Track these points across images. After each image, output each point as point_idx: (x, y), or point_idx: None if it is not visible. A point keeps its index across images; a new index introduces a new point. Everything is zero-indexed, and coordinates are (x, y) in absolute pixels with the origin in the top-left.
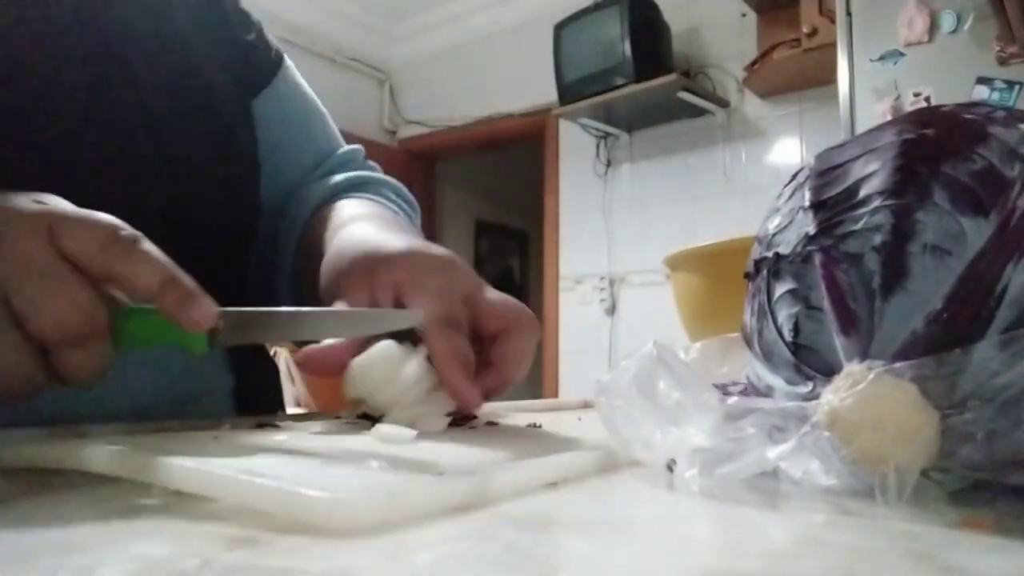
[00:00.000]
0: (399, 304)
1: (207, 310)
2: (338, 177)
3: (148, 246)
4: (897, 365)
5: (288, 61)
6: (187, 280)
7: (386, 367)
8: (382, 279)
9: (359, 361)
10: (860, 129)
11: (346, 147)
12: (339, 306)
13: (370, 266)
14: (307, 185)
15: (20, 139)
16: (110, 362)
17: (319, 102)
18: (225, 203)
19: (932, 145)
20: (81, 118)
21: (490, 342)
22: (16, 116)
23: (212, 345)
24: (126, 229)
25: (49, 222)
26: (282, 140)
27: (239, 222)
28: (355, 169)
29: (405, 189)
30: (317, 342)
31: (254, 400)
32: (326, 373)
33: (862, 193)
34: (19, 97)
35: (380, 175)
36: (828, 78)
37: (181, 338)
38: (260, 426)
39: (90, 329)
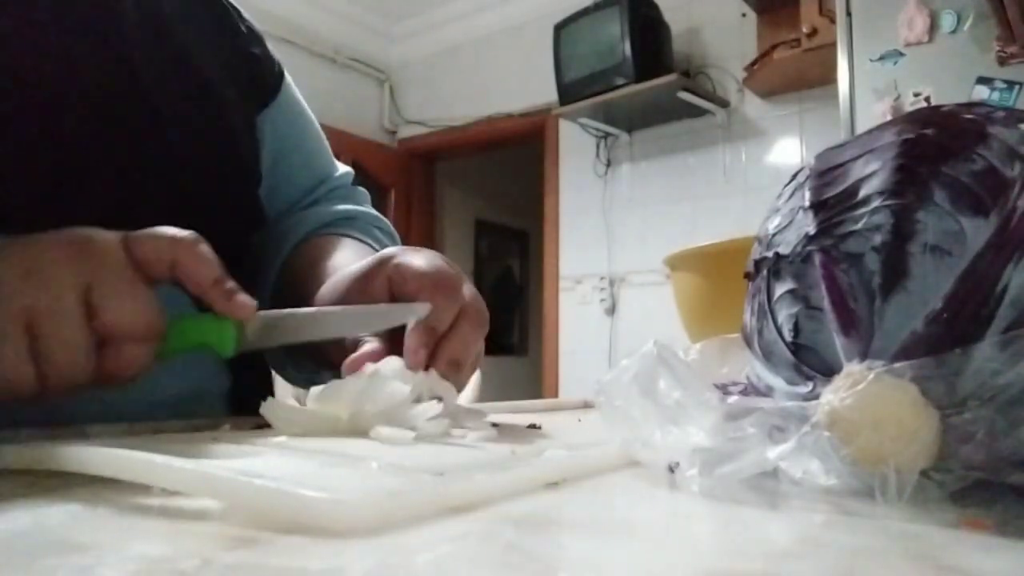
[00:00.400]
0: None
1: (249, 302)
2: (328, 210)
3: (206, 246)
4: (897, 365)
5: (287, 76)
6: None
7: (350, 391)
8: (375, 281)
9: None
10: (860, 129)
11: (339, 171)
12: None
13: (361, 281)
14: (297, 213)
15: (29, 142)
16: (151, 364)
17: (315, 120)
18: (227, 210)
19: (932, 145)
20: (89, 120)
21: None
22: (25, 119)
23: (238, 347)
24: (189, 232)
25: (124, 235)
26: (280, 158)
27: (239, 230)
28: (345, 195)
29: (387, 221)
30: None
31: (249, 401)
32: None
33: (862, 193)
34: (29, 100)
35: (364, 209)
36: (828, 78)
37: (213, 339)
38: (259, 427)
39: (152, 330)
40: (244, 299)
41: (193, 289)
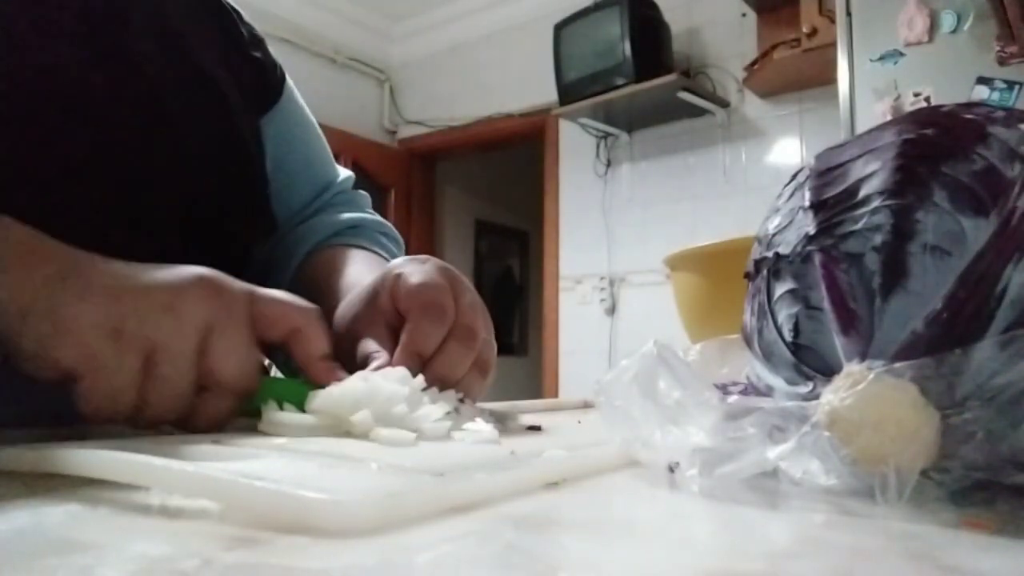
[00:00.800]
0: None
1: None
2: (335, 219)
3: (324, 321)
4: (897, 365)
5: (289, 81)
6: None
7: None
8: (380, 296)
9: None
10: (860, 129)
11: (340, 176)
12: (367, 344)
13: (370, 295)
14: (306, 223)
15: (40, 141)
16: (232, 418)
17: (316, 124)
18: (237, 214)
19: (932, 145)
20: (97, 123)
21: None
22: (33, 123)
23: None
24: (312, 305)
25: (251, 289)
26: (282, 163)
27: (249, 234)
28: (348, 201)
29: (391, 227)
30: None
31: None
32: None
33: (862, 193)
34: (37, 105)
35: (371, 216)
36: (828, 78)
37: (296, 402)
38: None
39: (250, 387)
40: (344, 376)
41: (301, 358)
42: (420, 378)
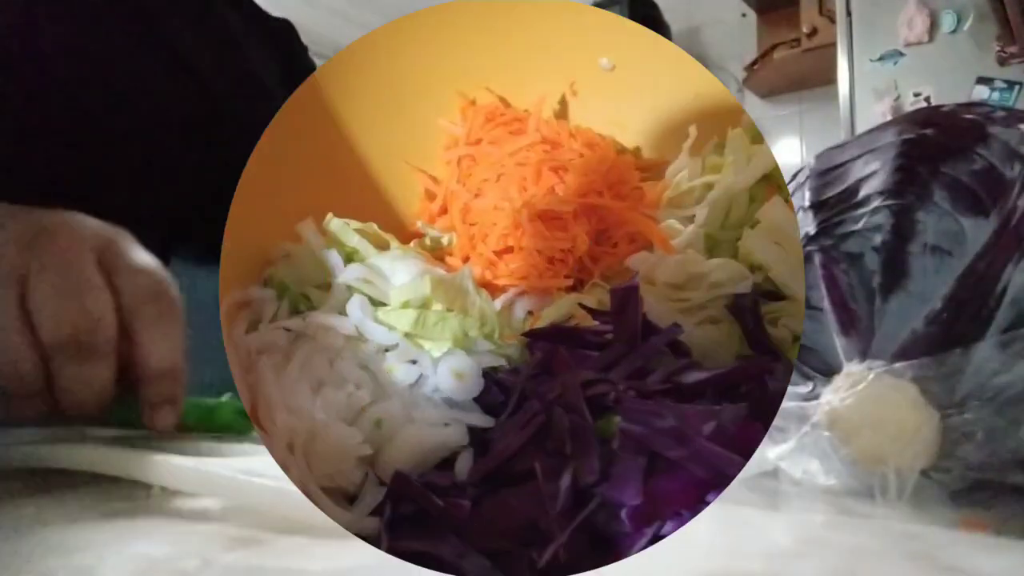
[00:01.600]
0: None
1: (172, 420)
2: None
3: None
4: (897, 365)
5: None
6: (183, 379)
7: None
8: None
9: None
10: (860, 129)
11: None
12: None
13: None
14: None
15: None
16: (107, 394)
17: None
18: None
19: (932, 145)
20: (151, 116)
21: None
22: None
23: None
24: (174, 287)
25: (111, 236)
26: None
27: None
28: None
29: None
30: None
31: None
32: None
33: (862, 193)
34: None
35: None
36: (828, 78)
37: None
38: None
39: (90, 342)
40: (167, 418)
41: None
42: None
